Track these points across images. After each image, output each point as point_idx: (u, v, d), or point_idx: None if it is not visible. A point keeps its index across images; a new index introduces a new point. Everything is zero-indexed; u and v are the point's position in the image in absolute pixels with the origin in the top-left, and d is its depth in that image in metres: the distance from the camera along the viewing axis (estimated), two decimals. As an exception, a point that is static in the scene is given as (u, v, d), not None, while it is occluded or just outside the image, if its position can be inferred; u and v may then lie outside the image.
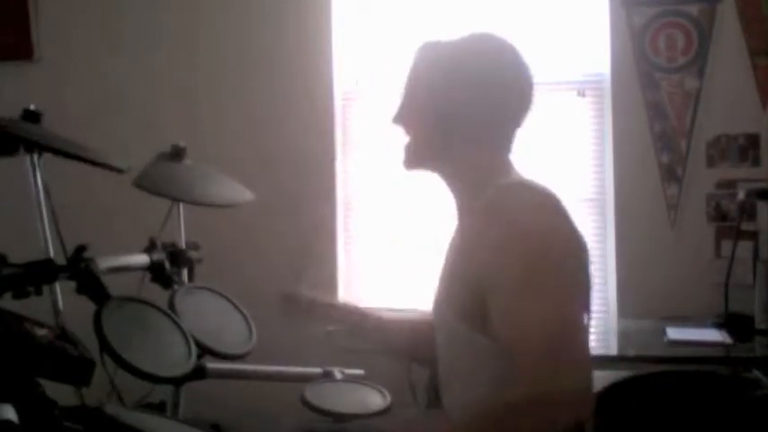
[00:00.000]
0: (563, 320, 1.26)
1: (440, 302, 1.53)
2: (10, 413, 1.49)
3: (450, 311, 1.45)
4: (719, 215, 3.10)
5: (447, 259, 1.56)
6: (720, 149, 3.11)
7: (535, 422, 1.22)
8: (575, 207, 3.23)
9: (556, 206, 1.40)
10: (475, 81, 1.46)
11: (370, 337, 1.80)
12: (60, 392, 1.68)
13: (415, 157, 1.54)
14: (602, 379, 1.75)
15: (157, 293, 2.13)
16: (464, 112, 1.46)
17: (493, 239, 1.34)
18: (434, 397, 2.47)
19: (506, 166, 1.50)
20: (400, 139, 1.57)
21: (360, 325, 1.80)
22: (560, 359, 1.21)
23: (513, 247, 1.30)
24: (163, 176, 2.27)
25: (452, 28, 3.16)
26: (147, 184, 2.20)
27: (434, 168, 1.54)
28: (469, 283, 1.38)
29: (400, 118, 1.55)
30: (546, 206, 1.39)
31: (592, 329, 3.36)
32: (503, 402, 1.26)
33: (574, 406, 1.22)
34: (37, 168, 1.93)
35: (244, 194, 2.41)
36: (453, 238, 1.56)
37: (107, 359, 1.72)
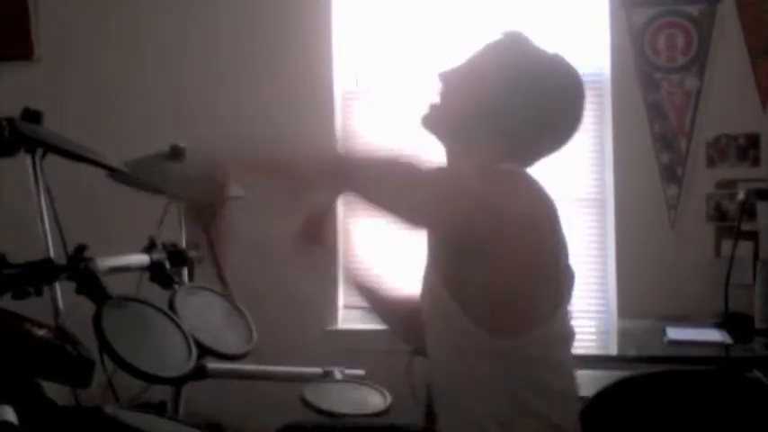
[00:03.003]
0: None
1: (426, 269, 1.54)
2: (9, 414, 1.49)
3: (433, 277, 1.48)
4: (719, 215, 3.10)
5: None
6: (720, 149, 3.11)
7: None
8: (575, 207, 3.28)
9: (537, 200, 1.42)
10: (535, 99, 1.45)
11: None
12: (57, 392, 1.68)
13: (439, 123, 1.52)
14: (602, 379, 1.75)
15: (157, 293, 2.13)
16: (502, 118, 1.45)
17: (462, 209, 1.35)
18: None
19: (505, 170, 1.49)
20: (430, 96, 1.53)
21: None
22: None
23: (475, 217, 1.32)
24: (162, 176, 2.27)
25: (452, 28, 3.18)
26: (145, 183, 2.20)
27: (446, 141, 1.53)
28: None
29: (445, 78, 1.52)
30: (523, 194, 1.41)
31: (592, 329, 3.34)
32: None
33: None
34: (39, 168, 1.92)
35: (243, 194, 2.41)
36: None
37: (106, 359, 1.72)
